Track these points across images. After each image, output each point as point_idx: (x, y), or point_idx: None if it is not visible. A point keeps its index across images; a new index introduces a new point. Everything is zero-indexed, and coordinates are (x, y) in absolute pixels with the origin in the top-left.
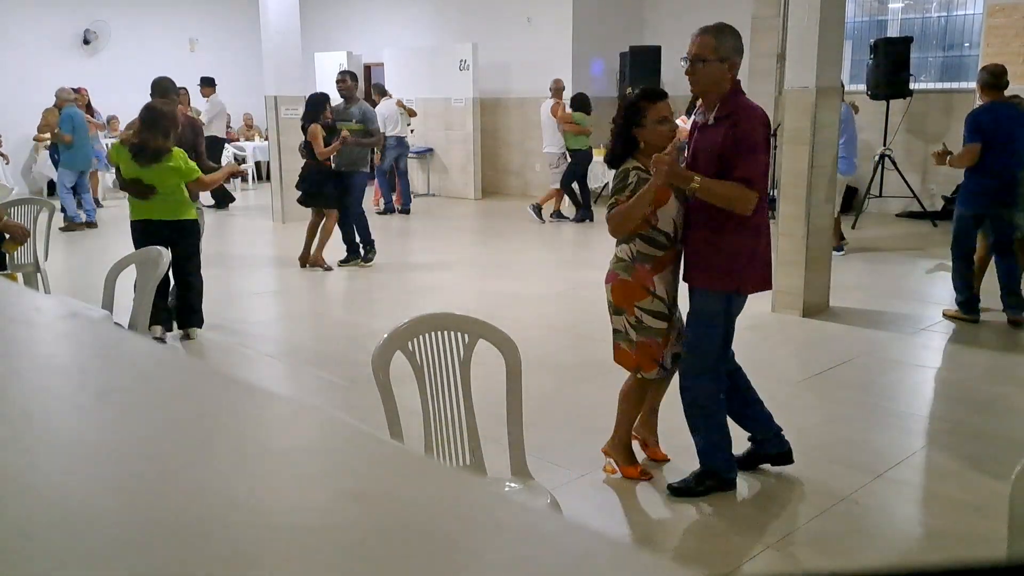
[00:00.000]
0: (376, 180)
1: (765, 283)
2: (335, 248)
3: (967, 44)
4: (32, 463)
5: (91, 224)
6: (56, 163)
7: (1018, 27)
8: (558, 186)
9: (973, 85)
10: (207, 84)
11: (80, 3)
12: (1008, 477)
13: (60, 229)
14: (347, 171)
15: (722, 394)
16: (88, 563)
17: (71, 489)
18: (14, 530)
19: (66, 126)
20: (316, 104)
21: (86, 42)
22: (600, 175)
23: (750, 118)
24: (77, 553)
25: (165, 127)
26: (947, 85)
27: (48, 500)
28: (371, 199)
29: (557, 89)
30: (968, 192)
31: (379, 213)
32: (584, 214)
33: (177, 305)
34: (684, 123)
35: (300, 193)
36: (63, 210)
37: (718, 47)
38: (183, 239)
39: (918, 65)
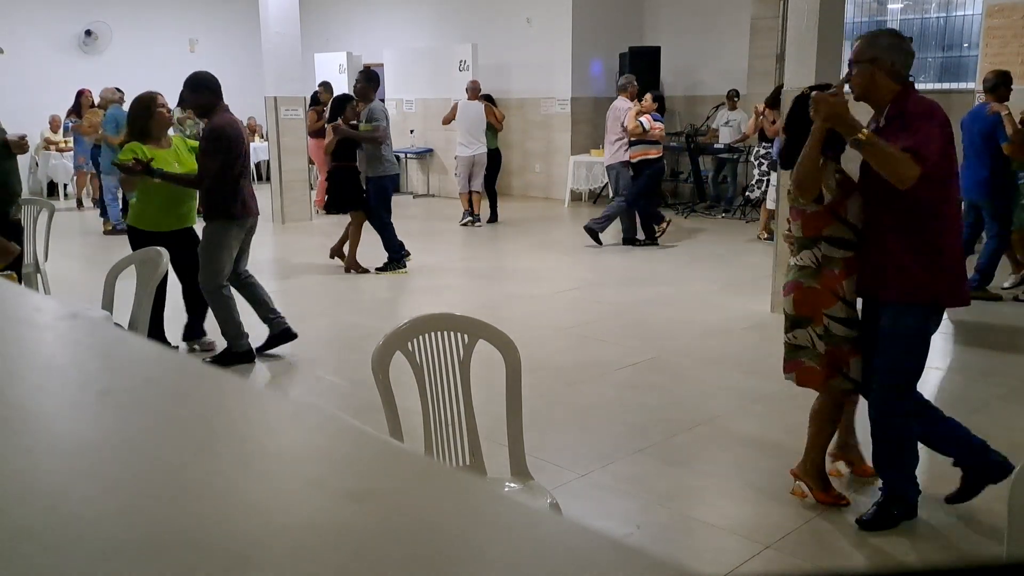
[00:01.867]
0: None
1: (960, 296)
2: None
3: (966, 45)
4: (32, 463)
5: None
6: (98, 166)
7: (1017, 28)
8: (480, 189)
9: (972, 85)
10: None
11: (80, 3)
12: (1007, 477)
13: (104, 233)
14: (366, 175)
15: (914, 420)
16: (88, 563)
17: (71, 489)
18: (14, 530)
19: (111, 127)
20: (337, 105)
21: (86, 43)
22: (599, 176)
23: (920, 103)
24: (77, 553)
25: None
26: (946, 85)
27: (48, 500)
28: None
29: (476, 89)
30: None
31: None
32: (493, 216)
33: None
34: (650, 123)
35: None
36: (103, 213)
37: (866, 49)
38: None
39: (917, 66)
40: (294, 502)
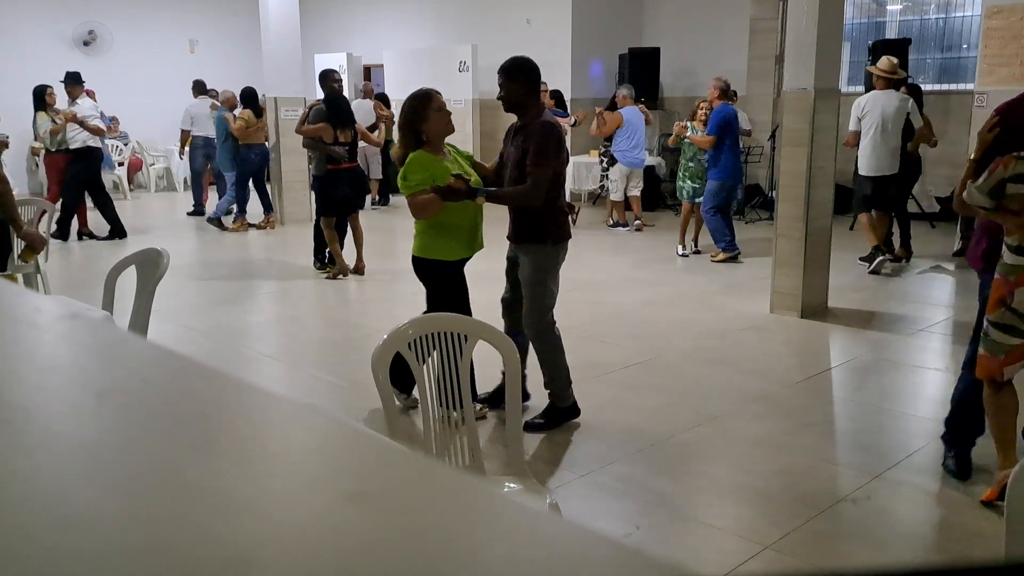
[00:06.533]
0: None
1: None
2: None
3: (965, 46)
4: (32, 464)
5: (209, 219)
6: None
7: (1016, 29)
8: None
9: (972, 87)
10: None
11: (80, 4)
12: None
13: (252, 226)
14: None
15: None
16: (88, 564)
17: (71, 489)
18: (14, 530)
19: (220, 129)
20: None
21: (86, 44)
22: (600, 176)
23: None
24: (77, 553)
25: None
26: (945, 87)
27: (47, 500)
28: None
29: (369, 91)
30: None
31: (188, 214)
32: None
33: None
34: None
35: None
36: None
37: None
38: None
39: (916, 67)
40: (293, 502)
